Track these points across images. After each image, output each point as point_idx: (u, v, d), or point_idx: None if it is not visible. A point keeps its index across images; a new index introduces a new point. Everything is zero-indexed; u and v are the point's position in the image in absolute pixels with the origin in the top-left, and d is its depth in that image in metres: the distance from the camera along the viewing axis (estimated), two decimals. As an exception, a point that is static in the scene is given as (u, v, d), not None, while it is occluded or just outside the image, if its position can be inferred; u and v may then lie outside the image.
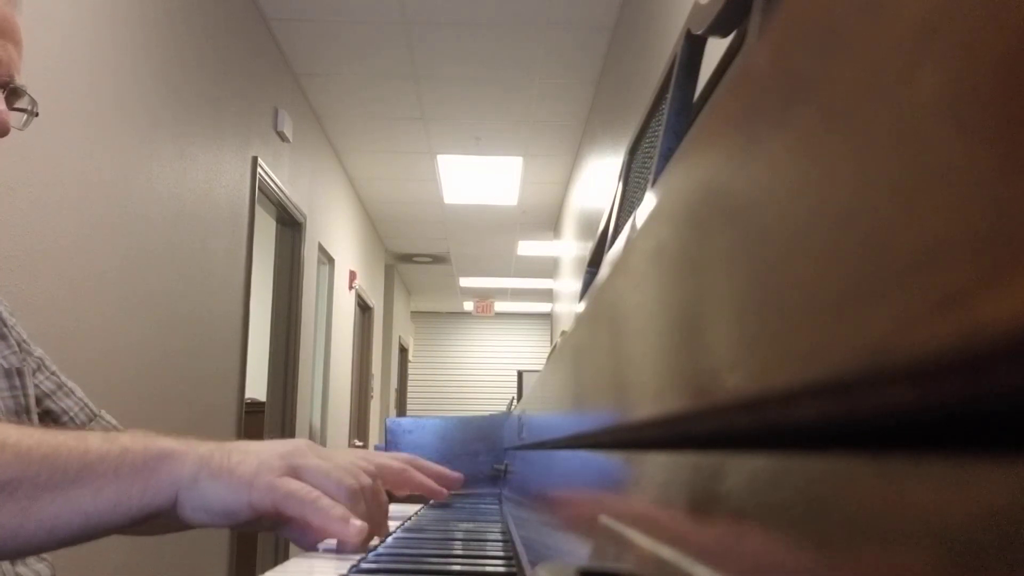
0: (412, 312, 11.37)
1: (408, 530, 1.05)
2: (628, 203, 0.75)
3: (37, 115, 0.97)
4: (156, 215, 2.93)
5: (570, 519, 0.50)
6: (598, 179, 4.70)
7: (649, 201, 0.37)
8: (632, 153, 0.79)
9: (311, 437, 5.24)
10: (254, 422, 4.23)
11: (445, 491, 1.17)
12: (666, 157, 0.53)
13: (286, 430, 4.53)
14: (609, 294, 0.41)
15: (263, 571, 0.76)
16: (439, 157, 6.01)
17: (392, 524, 1.05)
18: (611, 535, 0.33)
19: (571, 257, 6.25)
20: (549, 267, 8.23)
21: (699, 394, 0.23)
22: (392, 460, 1.08)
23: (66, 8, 2.34)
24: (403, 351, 10.42)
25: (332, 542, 0.76)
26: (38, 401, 0.99)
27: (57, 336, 2.26)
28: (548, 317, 9.39)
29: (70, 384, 1.06)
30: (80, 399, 1.06)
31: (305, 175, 5.02)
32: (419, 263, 9.20)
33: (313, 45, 4.45)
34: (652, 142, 0.67)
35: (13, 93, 0.92)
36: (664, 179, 0.35)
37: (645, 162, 0.69)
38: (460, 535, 1.08)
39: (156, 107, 2.92)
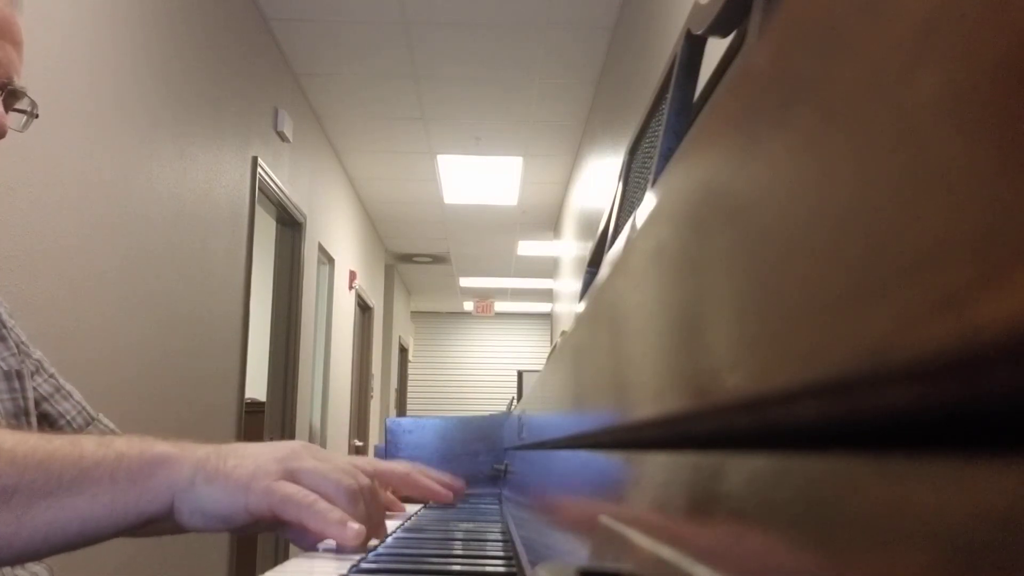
0: (412, 312, 11.37)
1: (408, 530, 1.05)
2: (628, 203, 0.75)
3: (37, 117, 0.96)
4: (156, 215, 2.93)
5: (570, 519, 0.50)
6: (598, 179, 4.70)
7: (649, 201, 0.37)
8: (632, 153, 0.79)
9: (311, 437, 5.24)
10: (254, 422, 4.23)
11: (450, 494, 1.17)
12: (666, 157, 0.53)
13: (286, 430, 4.53)
14: (609, 294, 0.41)
15: (263, 571, 0.75)
16: (439, 157, 6.01)
17: (392, 524, 1.05)
18: (611, 535, 0.33)
19: (571, 257, 6.25)
20: (549, 267, 8.23)
21: (699, 394, 0.23)
22: (396, 464, 1.08)
23: (66, 8, 2.34)
24: (403, 351, 10.41)
25: (332, 542, 0.76)
26: (36, 404, 0.99)
27: (57, 336, 2.26)
28: (548, 317, 9.39)
29: (68, 387, 1.05)
30: (78, 402, 1.05)
31: (305, 175, 5.02)
32: (419, 263, 9.20)
33: (313, 45, 4.45)
34: (652, 142, 0.67)
35: (12, 95, 0.92)
36: (664, 179, 0.34)
37: (645, 162, 0.69)
38: (460, 535, 1.08)
39: (156, 107, 2.92)
